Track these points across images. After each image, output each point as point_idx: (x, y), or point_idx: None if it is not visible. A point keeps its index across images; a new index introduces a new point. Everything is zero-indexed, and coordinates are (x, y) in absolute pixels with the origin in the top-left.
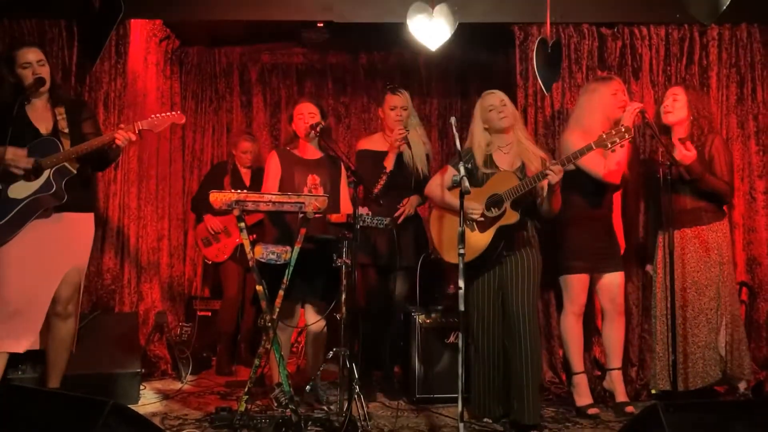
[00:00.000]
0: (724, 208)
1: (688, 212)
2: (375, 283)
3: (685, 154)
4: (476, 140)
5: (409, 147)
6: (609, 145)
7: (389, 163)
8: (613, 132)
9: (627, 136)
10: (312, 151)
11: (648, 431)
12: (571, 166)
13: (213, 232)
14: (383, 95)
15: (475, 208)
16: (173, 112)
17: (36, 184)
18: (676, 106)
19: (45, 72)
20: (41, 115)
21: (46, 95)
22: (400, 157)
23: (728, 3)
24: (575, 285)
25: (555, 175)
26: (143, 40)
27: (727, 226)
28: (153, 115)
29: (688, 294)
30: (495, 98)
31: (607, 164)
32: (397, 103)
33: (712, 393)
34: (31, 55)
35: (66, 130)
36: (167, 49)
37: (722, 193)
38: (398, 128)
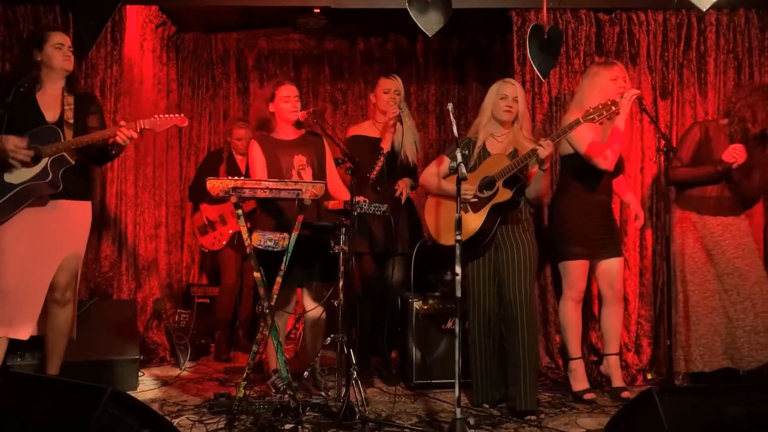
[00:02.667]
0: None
1: (726, 200)
2: (371, 270)
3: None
4: (483, 121)
5: (400, 132)
6: (596, 118)
7: (386, 145)
8: (600, 106)
9: (613, 109)
10: (290, 131)
11: (643, 416)
12: (570, 149)
13: (209, 221)
14: (375, 80)
15: (468, 189)
16: (177, 115)
17: (33, 171)
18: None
19: (72, 58)
20: (51, 102)
21: (62, 83)
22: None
23: None
24: (575, 271)
25: (544, 150)
26: (139, 26)
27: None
28: (156, 116)
29: (731, 279)
30: (511, 90)
31: (604, 150)
32: (391, 87)
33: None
34: (63, 38)
35: (71, 121)
36: (163, 35)
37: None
38: (391, 108)
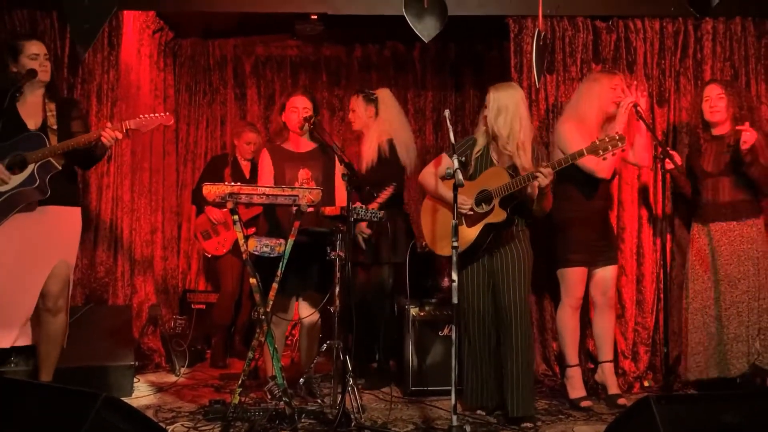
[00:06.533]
0: (761, 204)
1: (726, 206)
2: (361, 277)
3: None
4: (482, 129)
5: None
6: (601, 153)
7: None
8: (607, 139)
9: (620, 145)
10: (303, 144)
11: (640, 423)
12: None
13: (213, 223)
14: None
15: (465, 201)
16: (162, 114)
17: (19, 178)
18: (720, 105)
19: (49, 67)
20: (32, 110)
21: (42, 90)
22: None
23: None
24: (573, 278)
25: (545, 178)
26: (136, 31)
27: (763, 222)
28: (141, 116)
29: (721, 286)
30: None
31: (600, 160)
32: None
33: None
34: (38, 47)
35: (54, 127)
36: (161, 41)
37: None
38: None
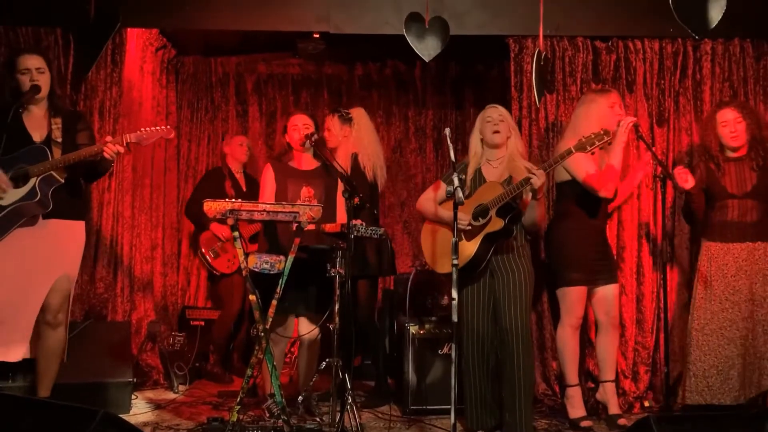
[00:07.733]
0: None
1: (753, 226)
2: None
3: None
4: (472, 150)
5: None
6: (588, 148)
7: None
8: (593, 135)
9: (606, 138)
10: (307, 162)
11: None
12: (566, 176)
13: (221, 240)
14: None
15: (462, 218)
16: (162, 127)
17: (21, 192)
18: (740, 129)
19: (44, 80)
20: (37, 123)
21: (45, 103)
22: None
23: (720, 17)
24: (573, 297)
25: (537, 179)
26: (139, 49)
27: None
28: (142, 129)
29: (750, 306)
30: (494, 112)
31: (604, 177)
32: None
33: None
34: (31, 61)
35: (59, 140)
36: (163, 58)
37: None
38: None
